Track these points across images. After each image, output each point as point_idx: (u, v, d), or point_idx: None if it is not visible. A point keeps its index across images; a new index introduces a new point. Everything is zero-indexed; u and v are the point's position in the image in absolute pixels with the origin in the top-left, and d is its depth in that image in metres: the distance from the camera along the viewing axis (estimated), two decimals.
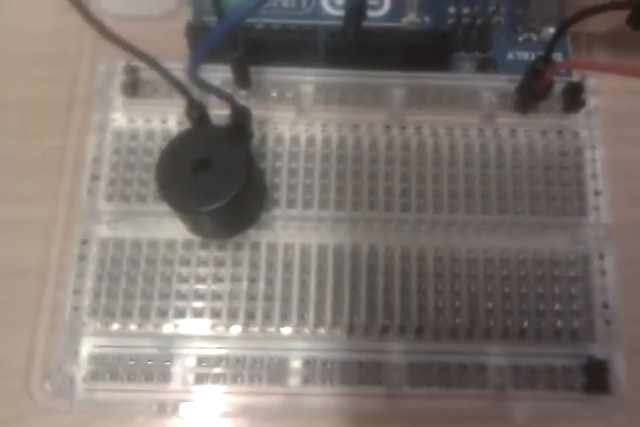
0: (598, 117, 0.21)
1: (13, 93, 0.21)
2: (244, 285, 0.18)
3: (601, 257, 0.19)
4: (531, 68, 0.19)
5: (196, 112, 0.17)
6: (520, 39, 0.22)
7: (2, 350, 0.19)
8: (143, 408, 0.18)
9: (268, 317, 0.18)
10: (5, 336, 0.19)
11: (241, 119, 0.17)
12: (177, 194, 0.16)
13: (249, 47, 0.19)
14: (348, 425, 0.19)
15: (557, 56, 0.22)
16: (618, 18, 0.21)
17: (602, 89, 0.21)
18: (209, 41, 0.15)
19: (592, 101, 0.21)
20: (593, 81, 0.21)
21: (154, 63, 0.16)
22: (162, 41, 0.19)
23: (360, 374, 0.18)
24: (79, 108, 0.20)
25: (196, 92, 0.17)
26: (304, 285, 0.18)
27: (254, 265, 0.18)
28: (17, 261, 0.20)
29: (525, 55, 0.22)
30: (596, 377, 0.18)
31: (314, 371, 0.18)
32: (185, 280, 0.18)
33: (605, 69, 0.17)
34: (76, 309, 0.18)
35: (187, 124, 0.18)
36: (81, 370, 0.18)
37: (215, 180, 0.16)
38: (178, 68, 0.18)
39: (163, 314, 0.18)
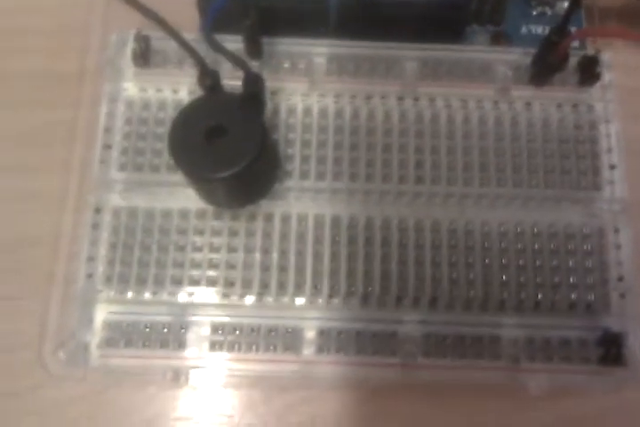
0: (613, 92, 0.20)
1: (24, 66, 0.21)
2: (258, 255, 0.18)
3: (616, 231, 0.19)
4: (546, 40, 0.19)
5: (209, 80, 0.17)
6: (534, 13, 0.22)
7: (15, 321, 0.19)
8: (157, 376, 0.18)
9: (282, 287, 0.18)
10: (19, 307, 0.19)
11: (254, 86, 0.17)
12: (190, 161, 0.16)
13: (261, 16, 0.18)
14: (361, 395, 0.19)
15: (572, 30, 0.21)
16: None
17: (618, 65, 0.21)
18: None
19: (607, 75, 0.20)
20: (608, 55, 0.21)
21: (168, 27, 0.16)
22: (174, 12, 0.19)
23: (374, 344, 0.18)
24: (90, 78, 0.20)
25: (209, 60, 0.17)
26: (318, 255, 0.18)
27: (268, 235, 0.18)
28: (30, 231, 0.20)
29: (539, 29, 0.22)
30: (610, 350, 0.18)
31: (328, 340, 0.18)
32: (199, 250, 0.18)
33: (618, 35, 0.17)
34: (89, 276, 0.18)
35: (198, 94, 0.18)
36: (95, 337, 0.18)
37: (228, 147, 0.16)
38: (190, 38, 0.18)
39: (177, 282, 0.18)
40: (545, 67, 0.20)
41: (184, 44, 0.16)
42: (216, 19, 0.17)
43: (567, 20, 0.18)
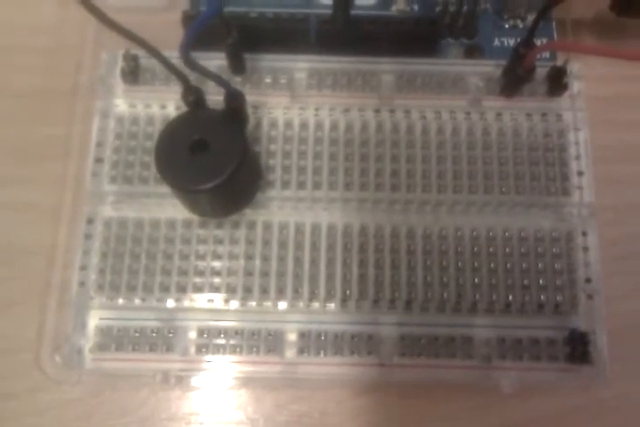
0: (582, 101, 0.21)
1: (21, 83, 0.22)
2: (242, 261, 0.19)
3: (584, 234, 0.20)
4: (514, 52, 0.20)
5: (192, 96, 0.18)
6: (506, 26, 0.23)
7: (13, 327, 0.20)
8: (148, 379, 0.19)
9: (264, 291, 0.19)
10: (17, 313, 0.20)
11: (234, 102, 0.18)
12: (174, 173, 0.17)
13: (243, 35, 0.19)
14: (345, 395, 0.20)
15: (543, 41, 0.22)
16: (602, 4, 0.22)
17: (587, 75, 0.22)
18: (200, 20, 0.16)
19: (575, 85, 0.21)
20: (577, 66, 0.21)
21: (151, 49, 0.17)
22: (160, 31, 0.20)
23: (352, 345, 0.19)
24: (83, 95, 0.21)
25: (193, 78, 0.18)
26: (298, 261, 0.19)
27: (251, 243, 0.19)
28: (27, 242, 0.21)
29: (512, 41, 0.23)
30: (577, 348, 0.19)
31: (309, 342, 0.19)
32: (185, 257, 0.19)
33: (582, 50, 0.18)
34: (82, 284, 0.19)
35: (185, 110, 0.19)
36: (88, 342, 0.19)
37: (211, 160, 0.17)
38: (175, 56, 0.19)
39: (165, 289, 0.19)
40: (514, 78, 0.21)
41: (165, 62, 0.17)
42: (199, 37, 0.18)
43: (532, 33, 0.19)
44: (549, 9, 0.18)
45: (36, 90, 0.22)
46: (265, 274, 0.19)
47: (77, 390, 0.20)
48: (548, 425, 0.20)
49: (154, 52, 0.17)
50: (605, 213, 0.21)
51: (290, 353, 0.19)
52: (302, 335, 0.19)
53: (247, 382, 0.19)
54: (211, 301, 0.19)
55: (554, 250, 0.20)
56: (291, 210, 0.20)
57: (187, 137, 0.17)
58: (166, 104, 0.20)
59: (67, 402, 0.19)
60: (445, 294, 0.19)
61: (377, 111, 0.21)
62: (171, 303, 0.19)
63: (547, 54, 0.22)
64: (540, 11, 0.18)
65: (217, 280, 0.19)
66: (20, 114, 0.22)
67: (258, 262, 0.19)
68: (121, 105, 0.21)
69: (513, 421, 0.19)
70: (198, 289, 0.19)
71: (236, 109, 0.18)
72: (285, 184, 0.20)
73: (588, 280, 0.20)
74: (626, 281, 0.21)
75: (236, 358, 0.19)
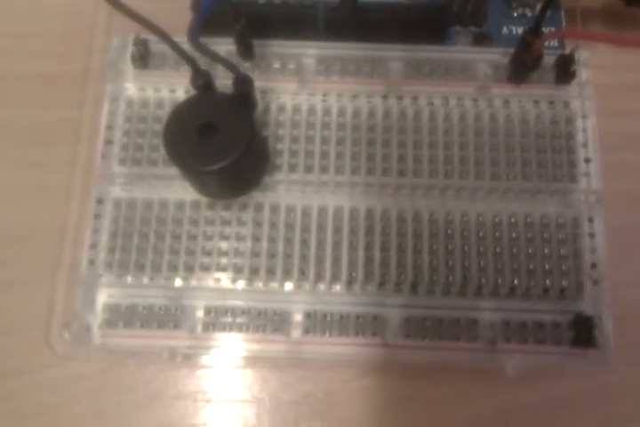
0: (590, 89, 0.21)
1: (33, 67, 0.23)
2: (249, 243, 0.19)
3: (590, 220, 0.20)
4: (521, 40, 0.20)
5: (201, 80, 0.18)
6: (515, 14, 0.23)
7: (23, 305, 0.20)
8: (155, 356, 0.19)
9: (271, 272, 0.19)
10: (27, 292, 0.20)
11: (243, 86, 0.18)
12: (183, 154, 0.17)
13: (251, 21, 0.20)
14: (349, 375, 0.20)
15: (551, 30, 0.22)
16: None
17: (595, 64, 0.22)
18: (207, 3, 0.16)
19: (583, 73, 0.21)
20: (585, 54, 0.21)
21: (161, 33, 0.17)
22: (170, 17, 0.20)
23: (357, 325, 0.19)
24: (94, 79, 0.22)
25: (202, 63, 0.18)
26: (305, 243, 0.19)
27: (258, 225, 0.20)
28: (37, 223, 0.21)
29: (519, 30, 0.23)
30: (582, 332, 0.19)
31: (314, 323, 0.19)
32: (193, 238, 0.19)
33: (588, 38, 0.18)
34: (92, 262, 0.19)
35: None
36: (97, 318, 0.19)
37: (219, 142, 0.18)
38: (184, 41, 0.19)
39: (173, 268, 0.19)
40: (521, 66, 0.21)
41: (174, 45, 0.17)
42: (207, 22, 0.18)
43: (540, 22, 0.19)
44: None
45: (48, 74, 0.23)
46: (272, 255, 0.19)
47: (86, 367, 0.20)
48: (552, 409, 0.20)
49: (163, 36, 0.17)
50: (613, 201, 0.21)
51: (295, 333, 0.19)
52: (308, 316, 0.19)
53: (253, 361, 0.19)
54: (218, 280, 0.19)
55: (560, 236, 0.20)
56: (298, 193, 0.20)
57: (195, 120, 0.18)
58: (175, 88, 0.21)
59: (75, 379, 0.20)
60: (451, 278, 0.19)
61: (385, 97, 0.21)
62: (178, 282, 0.19)
63: (555, 43, 0.23)
64: None
65: (224, 260, 0.19)
66: (33, 98, 0.23)
67: (265, 244, 0.19)
68: (131, 89, 0.21)
69: (516, 404, 0.20)
70: (206, 269, 0.19)
71: (244, 93, 0.19)
72: (293, 168, 0.20)
73: (593, 266, 0.20)
74: (633, 269, 0.21)
75: (242, 336, 0.19)
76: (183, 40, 0.17)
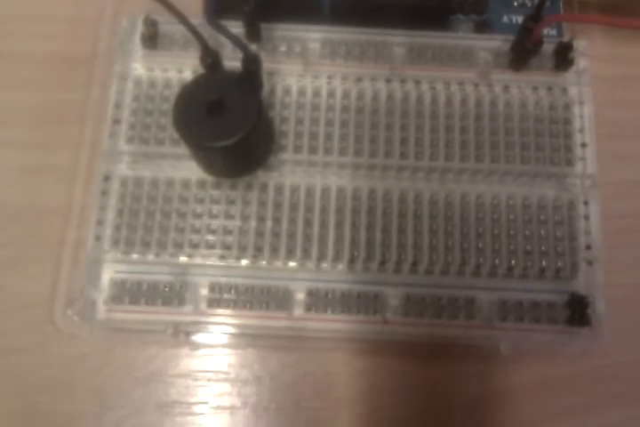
0: (587, 76, 0.22)
1: (43, 49, 0.23)
2: (253, 222, 0.20)
3: (585, 203, 0.21)
4: (522, 27, 0.21)
5: (210, 58, 0.18)
6: (515, 3, 0.23)
7: (28, 283, 0.21)
8: (158, 334, 0.19)
9: (274, 251, 0.20)
10: (31, 270, 0.21)
11: (251, 65, 0.18)
12: (191, 131, 0.18)
13: (259, 4, 0.20)
14: (348, 355, 0.20)
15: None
16: None
17: (592, 53, 0.22)
18: None
19: (581, 61, 0.22)
20: (583, 43, 0.22)
21: (173, 9, 0.17)
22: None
23: (358, 303, 0.19)
24: (103, 60, 0.22)
25: (211, 42, 0.19)
26: (308, 223, 0.20)
27: (262, 204, 0.20)
28: (45, 201, 0.21)
29: (520, 19, 0.23)
30: (577, 311, 0.19)
31: (316, 300, 0.19)
32: (198, 216, 0.20)
33: (586, 20, 0.18)
34: (98, 238, 0.20)
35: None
36: (102, 294, 0.19)
37: (227, 120, 0.18)
38: (194, 22, 0.20)
39: (178, 245, 0.20)
40: (522, 52, 0.21)
41: (185, 22, 0.17)
42: (218, 5, 0.19)
43: (541, 8, 0.20)
44: None
45: (58, 56, 0.23)
46: (276, 234, 0.20)
47: (89, 345, 0.20)
48: (546, 388, 0.20)
49: (175, 12, 0.17)
50: (607, 186, 0.21)
51: (297, 310, 0.19)
52: (310, 293, 0.19)
53: (255, 339, 0.20)
54: (222, 257, 0.20)
55: (556, 217, 0.20)
56: (302, 173, 0.20)
57: (204, 97, 0.18)
58: (183, 69, 0.21)
59: (78, 356, 0.20)
60: (450, 258, 0.20)
61: (388, 81, 0.21)
62: (183, 259, 0.20)
63: (554, 31, 0.23)
64: None
65: (229, 239, 0.20)
66: (41, 80, 0.23)
67: (269, 223, 0.20)
68: (139, 69, 0.21)
69: (512, 382, 0.20)
70: (210, 246, 0.20)
71: (252, 72, 0.19)
72: (297, 149, 0.20)
73: (588, 247, 0.20)
74: (625, 252, 0.22)
75: (245, 312, 0.19)
76: (194, 21, 0.18)
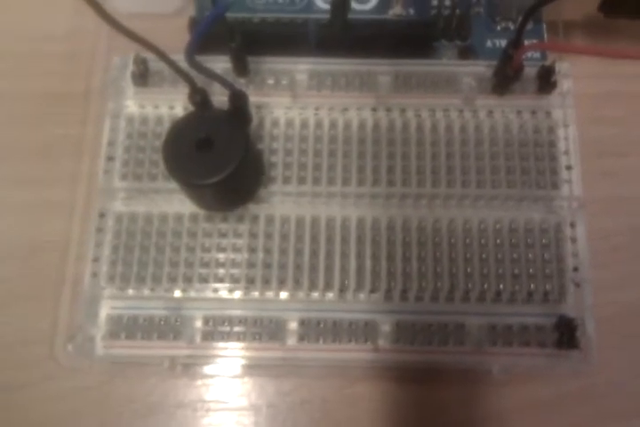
0: (571, 98, 0.22)
1: (38, 86, 0.24)
2: (245, 253, 0.20)
3: (572, 226, 0.21)
4: (503, 53, 0.21)
5: (198, 96, 0.19)
6: (498, 28, 0.24)
7: (29, 319, 0.21)
8: (156, 367, 0.20)
9: (266, 282, 0.20)
10: (32, 306, 0.21)
11: (238, 102, 0.19)
12: (181, 169, 0.18)
13: (246, 39, 0.21)
14: (343, 382, 0.20)
15: (532, 42, 0.23)
16: (592, 6, 0.23)
17: (575, 74, 0.22)
18: (204, 23, 0.17)
19: (564, 83, 0.22)
20: (565, 65, 0.22)
21: (159, 52, 0.18)
22: (168, 37, 0.21)
23: (349, 332, 0.20)
24: (96, 97, 0.22)
25: (199, 81, 0.19)
26: (299, 253, 0.20)
27: (254, 236, 0.20)
28: (42, 237, 0.22)
29: (503, 43, 0.24)
30: (565, 334, 0.20)
31: (308, 330, 0.20)
32: (192, 250, 0.20)
33: (565, 50, 0.18)
34: (94, 275, 0.20)
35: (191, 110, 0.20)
36: (100, 330, 0.20)
37: (216, 156, 0.18)
38: (182, 59, 0.20)
39: (172, 280, 0.20)
40: (504, 77, 0.21)
41: (172, 64, 0.18)
42: (205, 41, 0.19)
43: (520, 34, 0.20)
44: (534, 11, 0.19)
45: (52, 93, 0.23)
46: (267, 265, 0.20)
47: (89, 379, 0.21)
48: (538, 410, 0.20)
49: (162, 54, 0.18)
50: (594, 206, 0.22)
51: (291, 340, 0.20)
52: (302, 323, 0.20)
53: (251, 369, 0.20)
54: (215, 291, 0.20)
55: (543, 240, 0.21)
56: (292, 204, 0.21)
57: (193, 135, 0.19)
58: (174, 105, 0.22)
59: (79, 390, 0.21)
60: (439, 284, 0.20)
61: (374, 110, 0.22)
62: (178, 293, 0.20)
63: (537, 54, 0.23)
64: (526, 13, 0.19)
65: (221, 271, 0.20)
66: (37, 116, 0.23)
67: (260, 254, 0.20)
68: (131, 106, 0.22)
69: (504, 405, 0.20)
70: (204, 280, 0.20)
71: (239, 109, 0.19)
72: (287, 180, 0.21)
73: (575, 269, 0.20)
74: (613, 272, 0.22)
75: (239, 344, 0.20)
76: (180, 58, 0.18)
